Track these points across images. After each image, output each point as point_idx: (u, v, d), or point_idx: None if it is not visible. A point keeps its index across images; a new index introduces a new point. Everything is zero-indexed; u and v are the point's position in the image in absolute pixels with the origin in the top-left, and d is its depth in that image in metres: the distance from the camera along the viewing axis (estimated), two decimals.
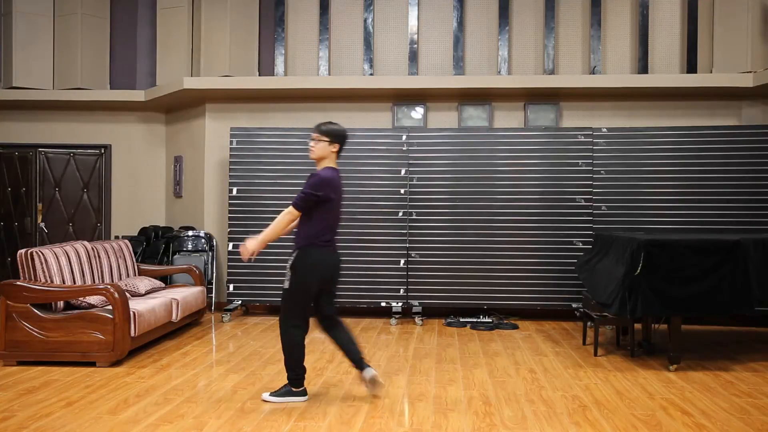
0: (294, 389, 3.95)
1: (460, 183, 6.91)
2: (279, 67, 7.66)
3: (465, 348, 5.53)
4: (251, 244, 3.80)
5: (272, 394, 3.97)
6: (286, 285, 3.89)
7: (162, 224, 8.31)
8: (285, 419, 3.61)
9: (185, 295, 6.04)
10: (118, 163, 8.34)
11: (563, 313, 7.10)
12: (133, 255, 6.43)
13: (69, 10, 8.03)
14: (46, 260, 5.03)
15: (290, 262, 3.91)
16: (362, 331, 6.28)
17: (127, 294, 5.13)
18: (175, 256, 7.37)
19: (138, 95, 7.93)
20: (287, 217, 3.84)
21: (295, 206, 3.85)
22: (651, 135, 6.81)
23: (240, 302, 7.01)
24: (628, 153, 6.81)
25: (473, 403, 3.92)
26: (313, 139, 3.94)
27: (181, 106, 8.08)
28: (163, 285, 6.40)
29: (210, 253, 7.46)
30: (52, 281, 5.03)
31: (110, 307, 4.84)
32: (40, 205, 8.22)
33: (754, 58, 6.88)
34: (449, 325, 6.60)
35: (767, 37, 6.91)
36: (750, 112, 7.20)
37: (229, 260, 7.04)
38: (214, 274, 7.50)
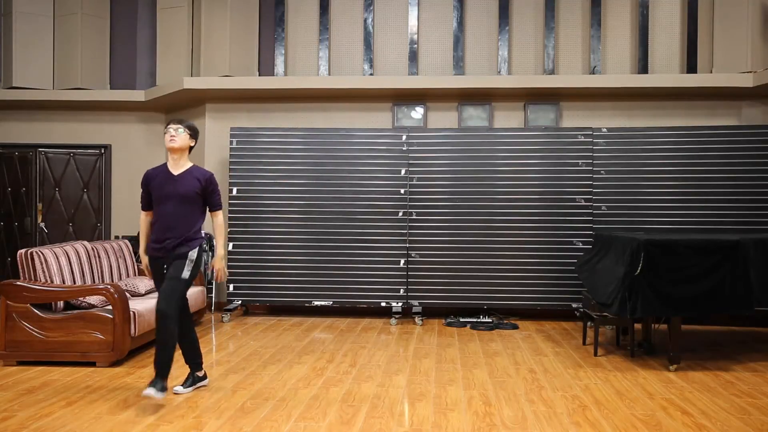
0: (199, 374, 4.20)
1: (460, 183, 6.91)
2: (279, 67, 7.66)
3: (465, 348, 5.53)
4: (221, 264, 4.12)
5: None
6: (186, 275, 3.93)
7: None
8: (285, 419, 3.62)
9: None
10: (118, 163, 8.34)
11: (563, 313, 7.10)
12: (133, 255, 6.43)
13: (69, 10, 8.03)
14: (46, 260, 5.03)
15: (194, 254, 3.98)
16: (362, 331, 6.29)
17: (127, 294, 5.13)
18: (213, 252, 7.36)
19: (138, 95, 7.93)
20: (223, 219, 4.10)
21: (222, 207, 4.12)
22: (651, 135, 6.81)
23: (240, 302, 7.01)
24: (628, 153, 6.81)
25: (473, 403, 3.92)
26: (174, 130, 3.97)
27: (181, 106, 8.08)
28: None
29: (210, 253, 7.46)
30: (52, 281, 5.03)
31: (110, 307, 4.84)
32: (40, 205, 8.22)
33: (754, 58, 6.88)
34: (449, 325, 6.60)
35: (767, 37, 6.91)
36: (750, 112, 7.20)
37: (229, 260, 7.04)
38: (214, 274, 7.49)
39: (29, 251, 4.99)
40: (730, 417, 3.70)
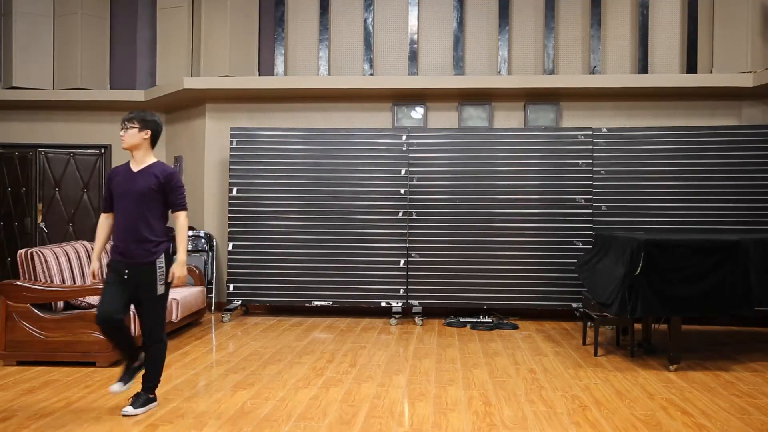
0: (152, 396, 3.81)
1: (460, 183, 6.91)
2: (279, 67, 7.66)
3: (465, 348, 5.53)
4: (183, 271, 3.76)
5: (134, 406, 3.70)
6: (161, 290, 3.71)
7: None
8: (285, 419, 3.62)
9: (185, 295, 6.04)
10: (118, 163, 8.34)
11: (563, 313, 7.10)
12: None
13: (69, 10, 8.03)
14: (46, 260, 5.03)
15: (161, 264, 3.72)
16: (362, 331, 6.28)
17: None
18: (175, 256, 7.36)
19: (138, 95, 7.93)
20: (187, 221, 3.80)
21: (186, 208, 3.83)
22: (651, 135, 6.81)
23: (240, 302, 7.01)
24: (628, 153, 6.81)
25: (473, 403, 3.92)
26: (124, 128, 3.72)
27: (181, 106, 8.08)
28: None
29: (210, 253, 7.46)
30: (52, 281, 5.03)
31: None
32: (40, 205, 8.22)
33: (754, 58, 6.88)
34: (449, 325, 6.60)
35: (767, 37, 6.91)
36: (750, 112, 7.20)
37: (229, 260, 7.05)
38: (214, 274, 7.50)
39: (29, 251, 4.99)
40: (730, 417, 3.70)
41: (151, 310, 3.72)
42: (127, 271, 3.67)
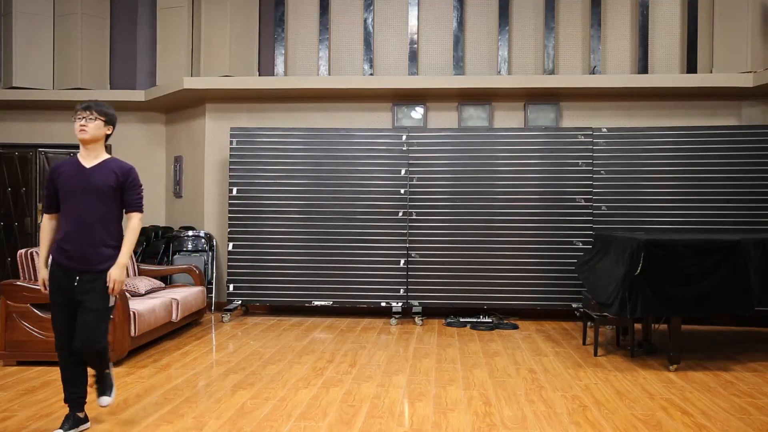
0: (107, 371, 3.48)
1: (460, 183, 6.91)
2: (279, 67, 7.66)
3: (465, 348, 5.53)
4: (122, 275, 3.33)
5: (107, 395, 3.47)
6: (112, 301, 3.35)
7: (162, 224, 8.31)
8: (285, 419, 3.62)
9: (185, 295, 6.04)
10: None
11: (563, 313, 7.10)
12: (133, 255, 6.43)
13: (69, 10, 8.03)
14: None
15: (114, 271, 3.31)
16: (362, 331, 6.28)
17: (127, 294, 5.12)
18: (175, 256, 7.37)
19: (138, 95, 7.93)
20: (140, 225, 3.44)
21: (141, 210, 3.47)
22: (651, 135, 6.81)
23: (240, 302, 7.01)
24: (628, 153, 6.81)
25: (473, 403, 3.92)
26: (84, 117, 3.34)
27: (181, 106, 8.08)
28: (163, 285, 6.40)
29: (210, 253, 7.46)
30: None
31: None
32: (40, 205, 8.21)
33: (754, 58, 6.88)
34: (449, 325, 6.60)
35: (767, 37, 6.91)
36: (750, 112, 7.20)
37: (229, 260, 7.04)
38: (214, 274, 7.50)
39: (29, 251, 4.99)
40: (730, 417, 3.70)
41: (101, 320, 3.31)
42: (78, 278, 3.29)
